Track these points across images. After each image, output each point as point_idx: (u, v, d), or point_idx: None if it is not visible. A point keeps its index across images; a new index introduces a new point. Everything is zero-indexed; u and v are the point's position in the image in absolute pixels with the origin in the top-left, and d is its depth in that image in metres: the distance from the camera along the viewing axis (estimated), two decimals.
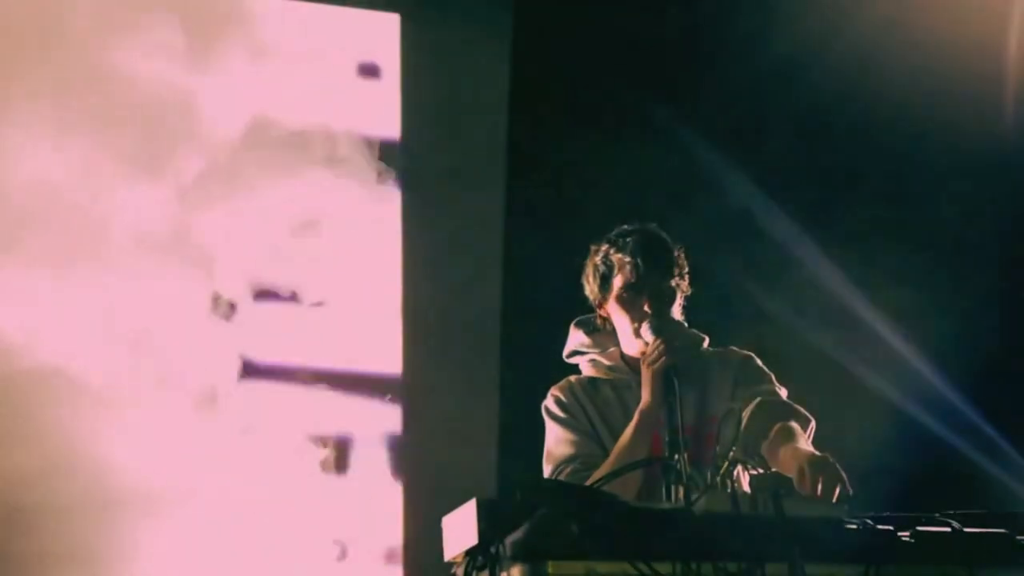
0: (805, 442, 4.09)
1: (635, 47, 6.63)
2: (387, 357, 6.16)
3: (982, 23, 6.75)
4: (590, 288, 4.41)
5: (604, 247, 4.37)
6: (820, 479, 3.67)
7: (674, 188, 6.51)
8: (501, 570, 3.23)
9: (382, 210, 5.28)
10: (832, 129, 6.92)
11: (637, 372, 4.29)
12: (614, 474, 3.89)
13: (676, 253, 4.38)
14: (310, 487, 4.03)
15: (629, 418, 4.26)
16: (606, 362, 4.40)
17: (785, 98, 6.82)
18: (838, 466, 3.70)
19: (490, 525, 3.25)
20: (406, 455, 6.17)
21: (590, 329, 4.48)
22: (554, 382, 4.44)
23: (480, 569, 3.26)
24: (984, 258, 6.99)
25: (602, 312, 4.42)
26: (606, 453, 4.25)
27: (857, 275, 6.89)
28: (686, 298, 4.38)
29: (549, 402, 4.39)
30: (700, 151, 6.58)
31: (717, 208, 6.66)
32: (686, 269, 4.38)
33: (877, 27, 6.71)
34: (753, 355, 4.41)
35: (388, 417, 6.15)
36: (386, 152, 5.32)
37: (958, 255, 6.98)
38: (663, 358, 4.16)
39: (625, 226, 4.40)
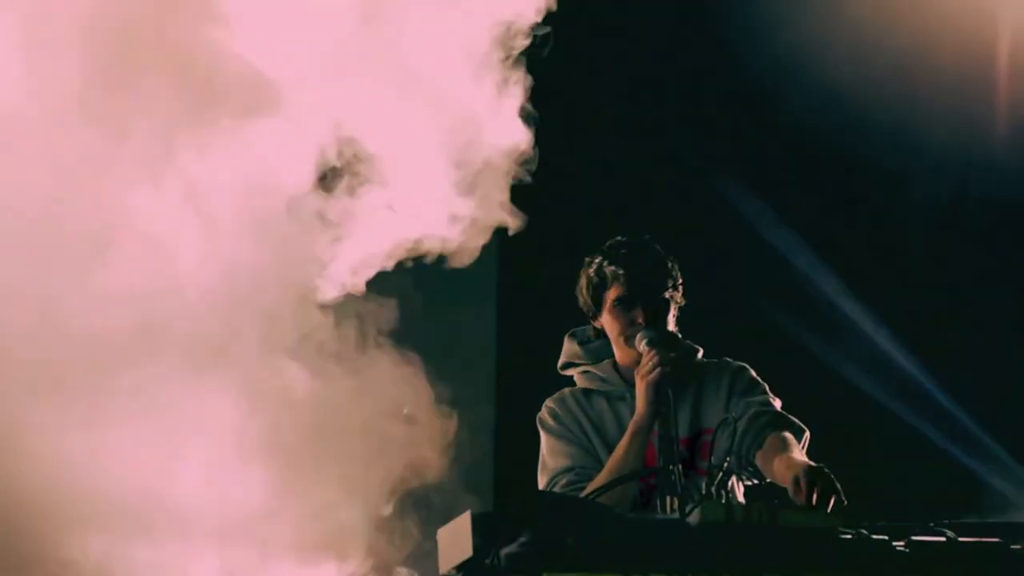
0: (799, 452, 4.10)
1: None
2: None
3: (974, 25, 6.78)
4: (584, 300, 4.41)
5: (598, 259, 4.37)
6: (815, 489, 3.67)
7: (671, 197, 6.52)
8: None
9: None
10: (827, 134, 6.93)
11: (631, 384, 4.29)
12: (609, 486, 3.90)
13: (669, 264, 4.38)
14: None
15: (623, 430, 4.26)
16: (600, 374, 4.40)
17: (780, 104, 6.83)
18: (832, 476, 3.70)
19: (485, 537, 3.25)
20: None
21: (584, 340, 4.48)
22: (549, 393, 4.45)
23: None
24: (982, 264, 7.00)
25: (596, 324, 4.42)
26: (600, 464, 4.25)
27: (854, 281, 6.91)
28: (680, 309, 4.38)
29: (543, 414, 4.40)
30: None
31: (714, 220, 6.68)
32: (679, 280, 4.39)
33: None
34: (747, 366, 4.42)
35: None
36: None
37: (955, 261, 6.99)
38: (657, 369, 4.17)
39: (619, 237, 4.41)
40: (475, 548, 3.26)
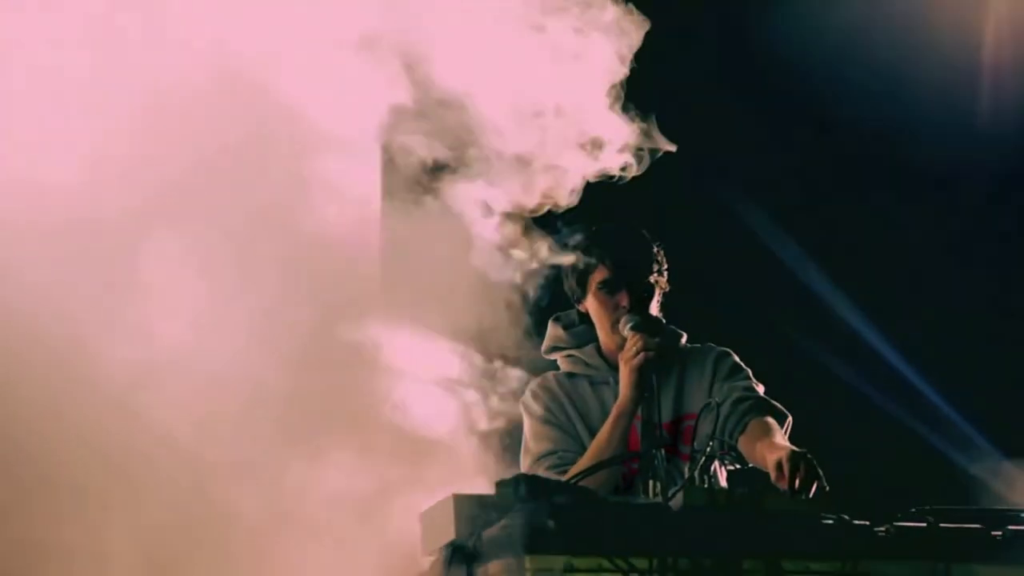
0: (782, 437, 4.11)
1: None
2: None
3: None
4: (569, 283, 4.41)
5: (583, 242, 4.37)
6: (797, 474, 3.68)
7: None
8: (479, 565, 3.23)
9: None
10: (815, 125, 6.92)
11: (615, 368, 4.30)
12: (592, 469, 3.91)
13: (655, 249, 4.38)
14: None
15: (606, 414, 4.26)
16: (584, 358, 4.40)
17: (770, 94, 6.81)
18: (815, 461, 3.71)
19: (467, 520, 3.25)
20: None
21: (568, 324, 4.48)
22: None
23: (457, 564, 3.26)
24: (966, 257, 7.02)
25: (581, 308, 4.42)
26: (583, 448, 4.25)
27: (839, 273, 6.92)
28: (664, 294, 4.39)
29: (527, 397, 4.39)
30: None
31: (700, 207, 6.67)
32: (665, 265, 4.39)
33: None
34: (730, 351, 4.42)
35: None
36: None
37: (938, 252, 7.01)
38: (641, 354, 4.17)
39: (605, 222, 4.41)
40: (457, 530, 3.26)
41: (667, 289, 4.40)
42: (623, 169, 4.19)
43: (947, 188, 6.94)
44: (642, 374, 4.18)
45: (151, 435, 3.73)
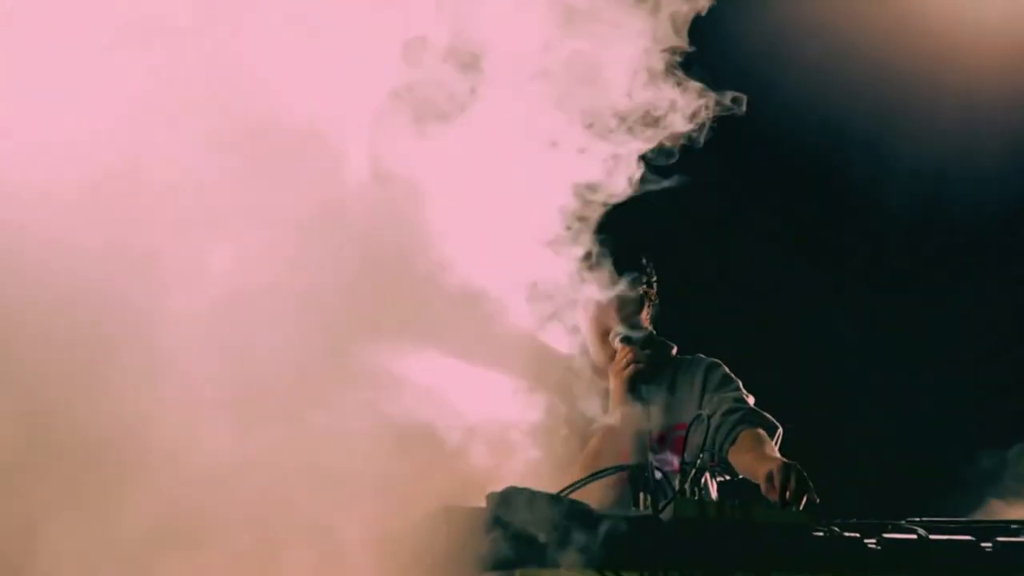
0: (772, 449, 4.11)
1: None
2: None
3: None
4: None
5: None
6: (788, 486, 3.68)
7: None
8: None
9: None
10: (802, 132, 6.94)
11: (605, 379, 4.29)
12: (582, 482, 3.90)
13: (644, 261, 4.39)
14: None
15: None
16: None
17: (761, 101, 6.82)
18: (805, 473, 3.71)
19: (458, 532, 3.25)
20: None
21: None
22: None
23: None
24: (955, 261, 7.04)
25: None
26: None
27: (832, 279, 6.93)
28: (654, 306, 4.39)
29: None
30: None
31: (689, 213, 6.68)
32: (654, 278, 4.39)
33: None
34: (720, 362, 4.42)
35: None
36: None
37: (922, 257, 7.03)
38: (631, 366, 4.17)
39: (596, 234, 4.41)
40: (449, 544, 3.25)
41: (656, 301, 4.40)
42: (680, 141, 3.87)
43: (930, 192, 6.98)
44: (632, 386, 4.18)
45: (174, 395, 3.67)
